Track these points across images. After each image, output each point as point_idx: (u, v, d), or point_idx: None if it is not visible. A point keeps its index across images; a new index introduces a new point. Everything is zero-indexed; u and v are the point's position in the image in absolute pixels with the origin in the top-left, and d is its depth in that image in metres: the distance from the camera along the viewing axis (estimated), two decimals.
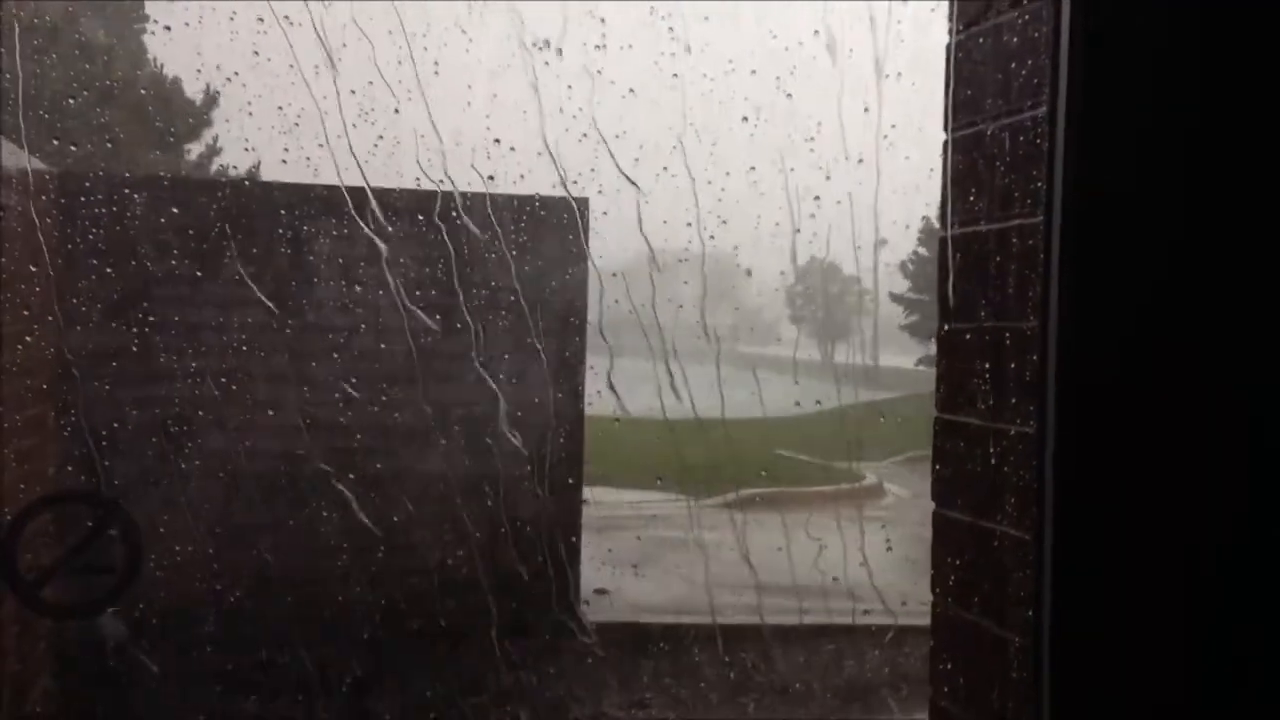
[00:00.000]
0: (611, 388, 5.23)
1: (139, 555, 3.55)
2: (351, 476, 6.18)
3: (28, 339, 5.04)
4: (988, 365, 1.59)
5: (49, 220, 5.62)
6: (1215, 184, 1.35)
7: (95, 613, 4.30)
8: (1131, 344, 1.38)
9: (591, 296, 6.79)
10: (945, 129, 1.71)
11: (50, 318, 5.59)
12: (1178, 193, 1.35)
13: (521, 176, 5.94)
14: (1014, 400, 1.50)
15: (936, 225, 1.79)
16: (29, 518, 3.67)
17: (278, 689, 5.21)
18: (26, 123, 5.21)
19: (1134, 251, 1.36)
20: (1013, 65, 1.51)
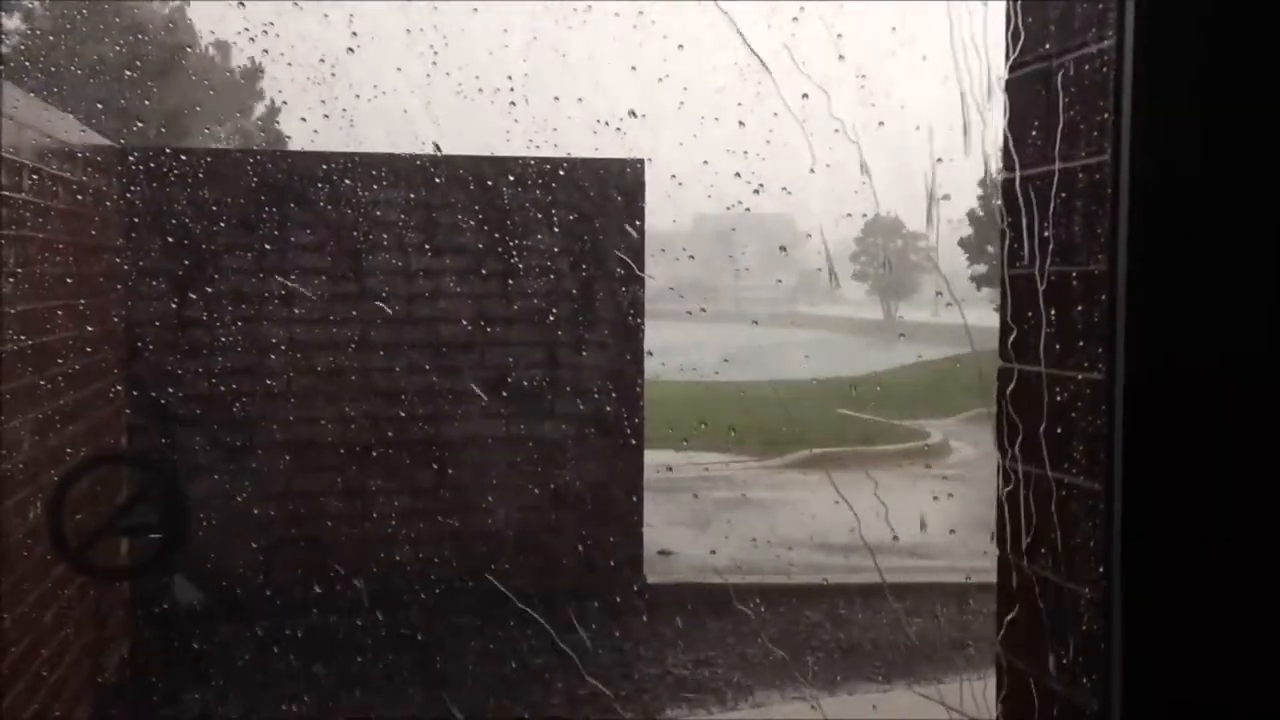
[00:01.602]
0: (668, 353, 5.21)
1: (186, 517, 3.61)
2: (412, 443, 6.24)
3: (95, 311, 5.13)
4: (1054, 310, 1.54)
5: (114, 194, 5.71)
6: None
7: (143, 574, 4.39)
8: (1204, 286, 1.33)
9: (649, 259, 6.77)
10: (1005, 67, 1.65)
11: (118, 289, 5.69)
12: (1251, 126, 1.29)
13: (562, 150, 5.91)
14: (1081, 345, 1.45)
15: (995, 175, 1.73)
16: (74, 480, 3.74)
17: (344, 652, 5.30)
18: (88, 98, 5.28)
19: (1205, 188, 1.31)
20: None
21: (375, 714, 4.85)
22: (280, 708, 4.89)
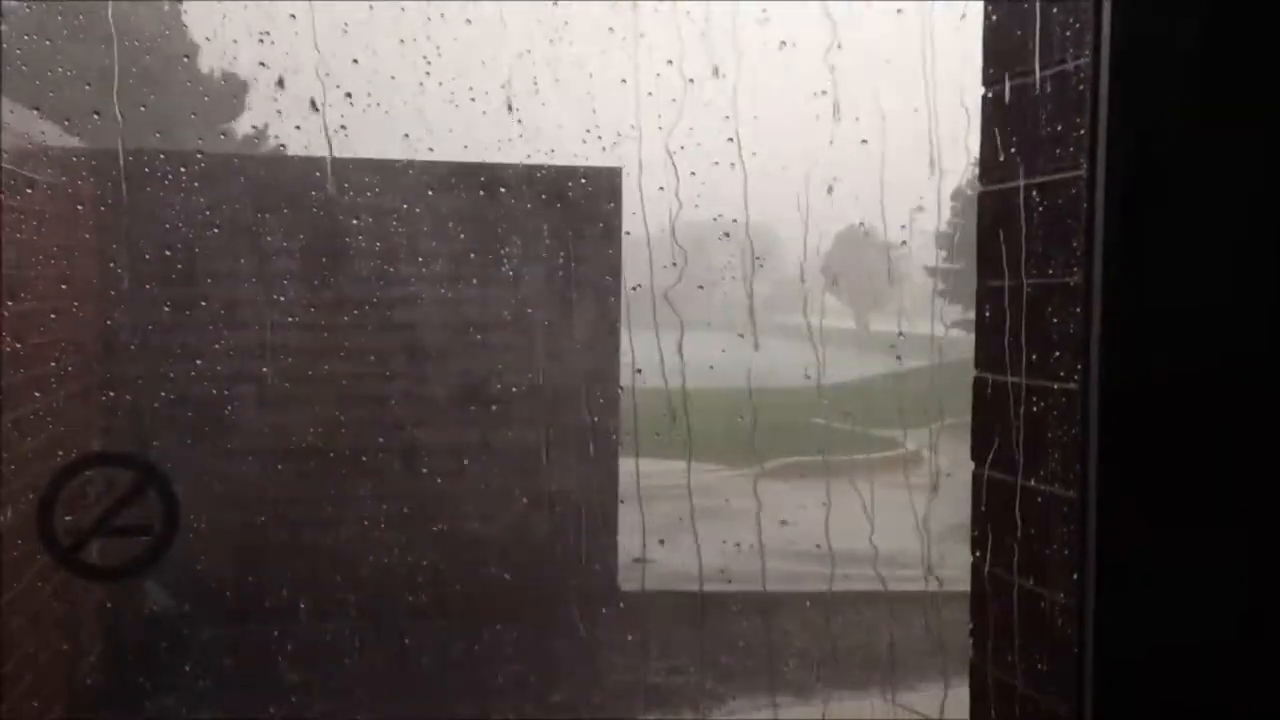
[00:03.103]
0: (646, 359, 5.22)
1: (176, 517, 3.59)
2: (388, 446, 6.22)
3: (70, 314, 5.09)
4: (1029, 321, 1.57)
5: (90, 197, 5.67)
6: (1268, 127, 1.32)
7: (132, 574, 4.36)
8: (1180, 296, 1.35)
9: (625, 266, 6.78)
10: (983, 83, 1.68)
11: (94, 293, 5.65)
12: (1227, 139, 1.32)
13: (552, 151, 5.92)
14: (1057, 356, 1.48)
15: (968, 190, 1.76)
16: (65, 480, 3.71)
17: (319, 657, 5.27)
18: (64, 100, 5.25)
19: (1181, 200, 1.33)
20: (1054, 11, 1.48)
21: (343, 718, 4.83)
22: (252, 711, 4.86)
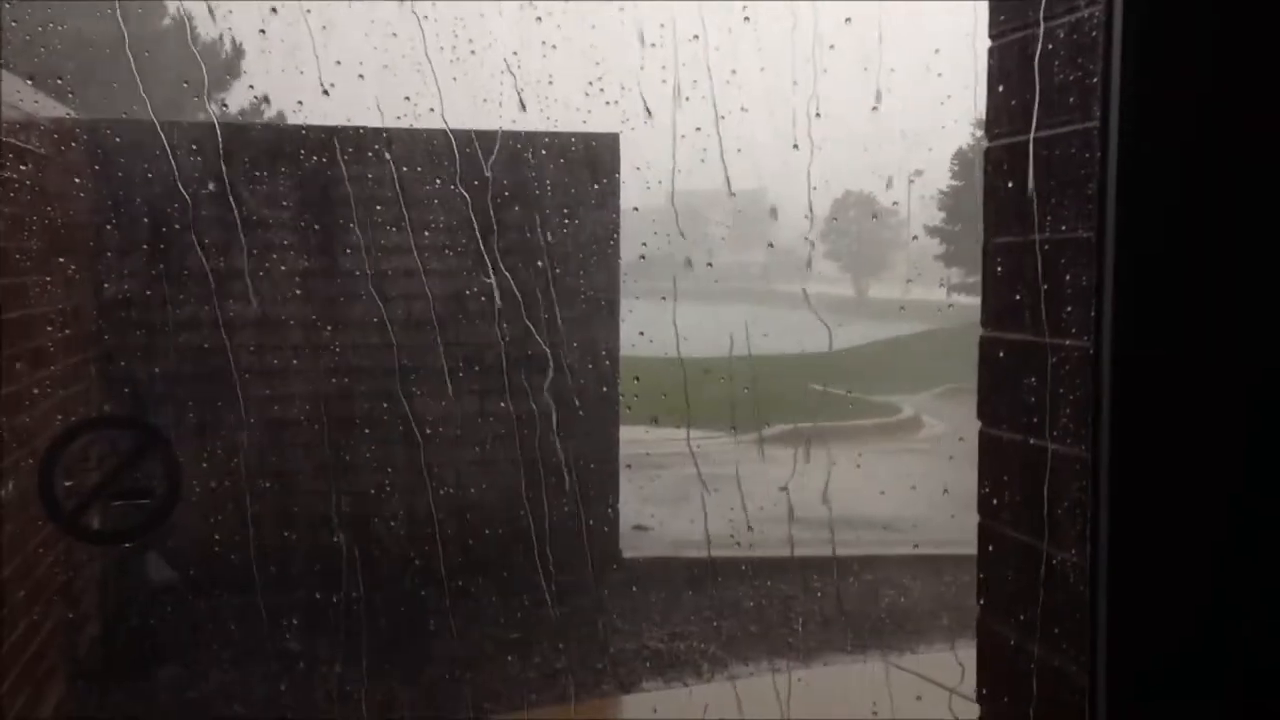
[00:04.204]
0: (648, 329, 5.20)
1: (178, 480, 3.58)
2: (388, 418, 6.21)
3: (64, 286, 5.06)
4: (1038, 278, 1.54)
5: (82, 168, 5.62)
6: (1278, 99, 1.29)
7: (135, 538, 4.36)
8: (1192, 254, 1.33)
9: (623, 235, 6.74)
10: (989, 34, 1.64)
11: (87, 265, 5.61)
12: (1245, 88, 1.29)
13: (547, 117, 5.86)
14: (1069, 311, 1.45)
15: (969, 152, 1.73)
16: (67, 443, 3.70)
17: (320, 627, 5.28)
18: (64, 72, 5.19)
19: (1195, 154, 1.30)
20: None
21: (344, 688, 4.83)
22: (252, 682, 4.87)
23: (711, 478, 8.71)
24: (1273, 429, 1.36)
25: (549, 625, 5.50)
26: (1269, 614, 1.38)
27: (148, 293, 5.91)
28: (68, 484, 3.59)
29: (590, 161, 6.46)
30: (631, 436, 7.18)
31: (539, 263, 6.41)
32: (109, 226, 5.83)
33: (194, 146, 5.95)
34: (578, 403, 6.46)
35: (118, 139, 5.84)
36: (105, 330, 5.80)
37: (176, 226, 5.93)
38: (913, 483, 8.66)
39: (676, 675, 5.24)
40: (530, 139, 6.34)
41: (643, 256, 5.81)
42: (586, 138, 6.47)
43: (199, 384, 5.92)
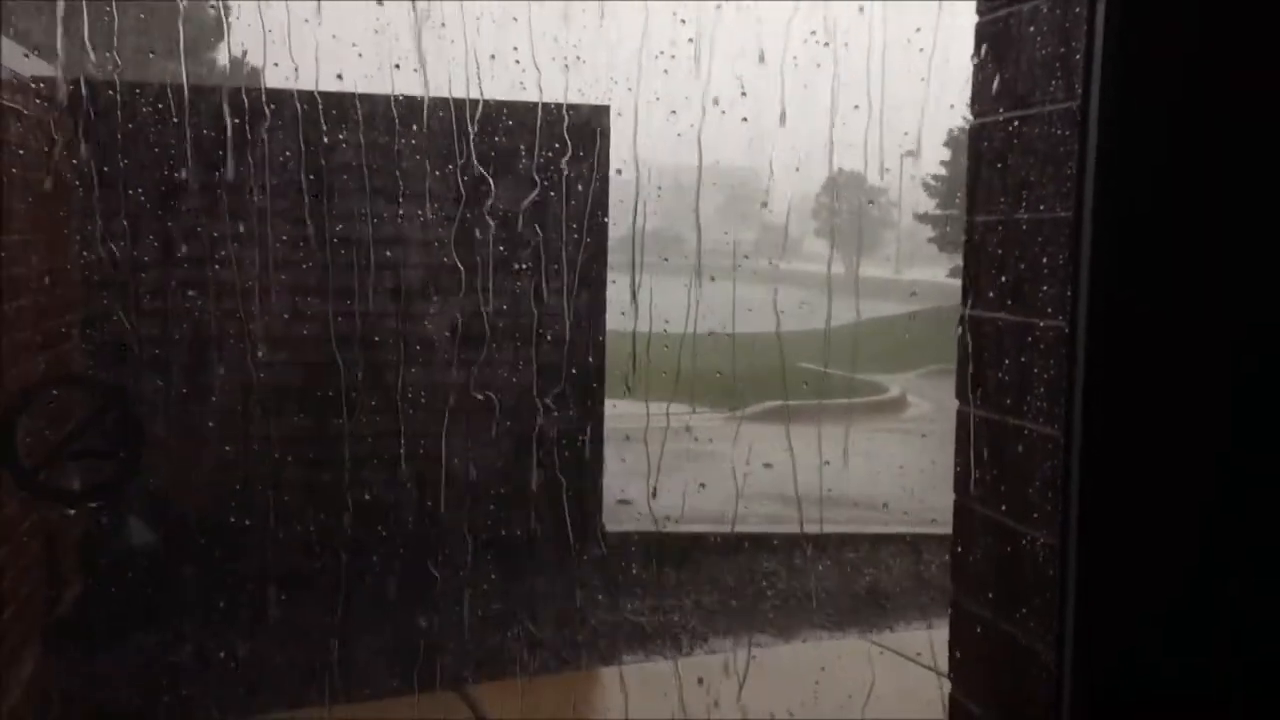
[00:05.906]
0: (634, 301, 5.19)
1: (140, 440, 3.55)
2: (373, 388, 6.20)
3: (49, 248, 5.03)
4: (1018, 259, 1.54)
5: (69, 128, 5.57)
6: (1271, 58, 1.28)
7: (95, 499, 4.34)
8: (1169, 236, 1.33)
9: (613, 209, 6.72)
10: (977, 11, 1.64)
11: (70, 228, 5.57)
12: (1230, 68, 1.28)
13: (523, 86, 5.81)
14: (1045, 291, 1.45)
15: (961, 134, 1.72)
16: (26, 402, 3.67)
17: (304, 595, 5.28)
18: (44, 30, 5.14)
19: (1174, 137, 1.30)
20: None
21: (327, 657, 4.84)
22: (235, 648, 4.88)
23: (697, 453, 8.73)
24: (1249, 408, 1.36)
25: (530, 597, 5.52)
26: (1257, 571, 1.39)
27: (127, 258, 5.87)
28: (27, 440, 3.58)
29: (580, 133, 6.43)
30: (618, 411, 7.19)
31: (524, 235, 6.39)
32: (87, 189, 5.78)
33: (180, 109, 5.89)
34: (562, 376, 6.46)
35: (102, 99, 5.78)
36: (90, 296, 5.76)
37: (160, 190, 5.89)
38: (898, 462, 8.70)
39: (657, 649, 5.27)
40: (518, 110, 6.30)
41: (631, 231, 5.80)
42: (576, 110, 6.43)
43: (176, 349, 5.90)
